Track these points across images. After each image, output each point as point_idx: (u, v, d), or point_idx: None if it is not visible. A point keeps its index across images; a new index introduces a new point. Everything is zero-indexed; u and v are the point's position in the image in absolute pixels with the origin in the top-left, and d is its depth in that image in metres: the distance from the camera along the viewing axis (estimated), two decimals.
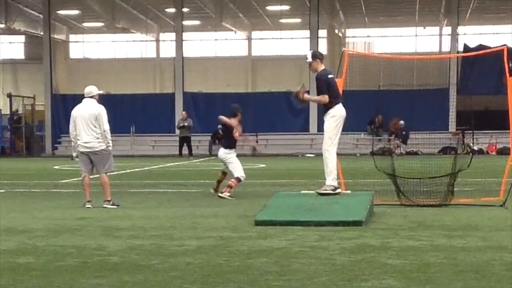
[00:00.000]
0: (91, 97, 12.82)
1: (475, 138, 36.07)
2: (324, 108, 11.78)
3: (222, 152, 15.77)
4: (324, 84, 11.58)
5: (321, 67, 11.76)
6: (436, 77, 38.57)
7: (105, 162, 12.77)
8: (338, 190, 11.68)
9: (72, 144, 13.18)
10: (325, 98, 11.57)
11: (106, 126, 12.64)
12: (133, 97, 41.51)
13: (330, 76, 11.81)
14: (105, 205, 12.62)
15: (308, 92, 11.80)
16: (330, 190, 11.52)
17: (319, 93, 11.62)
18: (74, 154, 13.20)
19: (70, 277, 6.51)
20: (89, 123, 12.60)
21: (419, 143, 30.54)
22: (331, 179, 11.57)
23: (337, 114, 11.63)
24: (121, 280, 6.37)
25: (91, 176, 13.02)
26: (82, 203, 12.81)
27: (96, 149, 12.65)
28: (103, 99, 13.35)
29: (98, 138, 12.61)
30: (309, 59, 11.78)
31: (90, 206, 12.62)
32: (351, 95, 16.81)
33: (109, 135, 12.70)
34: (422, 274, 6.54)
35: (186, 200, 14.22)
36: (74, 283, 6.27)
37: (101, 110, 12.68)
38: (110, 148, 12.80)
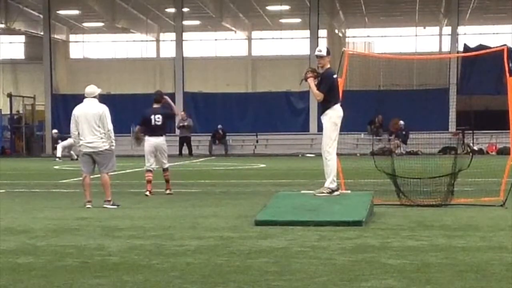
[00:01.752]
0: (93, 97, 12.82)
1: (475, 138, 36.08)
2: (322, 108, 11.77)
3: (163, 140, 15.61)
4: (328, 84, 11.57)
5: (328, 64, 11.79)
6: (436, 77, 38.58)
7: (108, 162, 12.77)
8: (336, 193, 11.66)
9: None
10: (320, 96, 11.57)
11: (110, 126, 12.65)
12: (133, 97, 41.51)
13: (334, 76, 11.81)
14: (105, 205, 12.62)
15: (316, 77, 11.72)
16: (327, 192, 11.52)
17: (319, 88, 11.61)
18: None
19: (70, 277, 6.51)
20: (93, 123, 12.59)
21: (419, 143, 30.53)
22: (329, 182, 11.57)
23: (334, 114, 11.61)
24: (121, 280, 6.37)
25: (91, 176, 13.02)
26: (82, 203, 12.82)
27: (100, 149, 12.64)
28: (103, 99, 13.35)
29: (102, 138, 12.61)
30: (324, 52, 11.71)
31: (90, 206, 12.62)
32: (351, 95, 16.78)
33: (112, 135, 12.71)
34: (422, 274, 6.54)
35: (186, 200, 14.22)
36: (74, 283, 6.27)
37: (105, 110, 12.69)
38: (113, 147, 12.82)
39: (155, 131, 15.25)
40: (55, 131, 35.46)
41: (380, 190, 12.75)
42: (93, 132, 12.60)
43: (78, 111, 12.79)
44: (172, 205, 13.14)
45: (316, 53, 11.89)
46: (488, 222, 10.15)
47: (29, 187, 17.94)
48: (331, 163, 11.55)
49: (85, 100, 12.84)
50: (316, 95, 11.64)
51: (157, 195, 15.37)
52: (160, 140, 15.41)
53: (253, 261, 7.25)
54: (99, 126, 12.60)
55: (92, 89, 12.91)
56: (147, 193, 14.93)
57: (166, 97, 16.07)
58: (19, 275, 6.63)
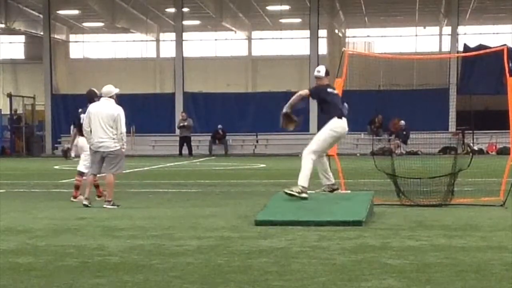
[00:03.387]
0: (110, 97, 12.81)
1: (475, 138, 36.07)
2: (325, 118, 11.66)
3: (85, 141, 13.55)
4: (318, 95, 11.59)
5: (326, 82, 11.77)
6: (436, 77, 38.56)
7: (116, 163, 12.70)
8: (304, 195, 11.15)
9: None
10: (303, 91, 11.71)
11: (124, 129, 12.61)
12: (133, 97, 41.50)
13: (329, 90, 11.66)
14: (105, 206, 12.61)
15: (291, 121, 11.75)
16: (296, 192, 11.12)
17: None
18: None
19: (70, 277, 6.51)
20: (106, 123, 12.57)
21: (419, 143, 30.55)
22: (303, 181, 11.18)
23: (337, 128, 11.44)
24: (121, 280, 6.37)
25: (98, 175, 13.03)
26: (82, 203, 12.83)
27: (111, 149, 12.63)
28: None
29: (113, 139, 12.59)
30: (322, 73, 11.65)
31: (86, 203, 12.60)
32: (351, 95, 16.75)
33: (125, 138, 12.68)
34: (422, 274, 6.54)
35: (186, 200, 14.22)
36: (74, 283, 6.27)
37: (120, 112, 12.65)
38: (124, 150, 12.80)
39: (81, 131, 13.95)
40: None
41: (380, 190, 12.75)
42: (105, 132, 12.58)
43: (93, 109, 12.81)
44: (172, 205, 13.14)
45: (315, 73, 11.81)
46: (488, 222, 10.15)
47: (29, 187, 17.94)
48: (310, 165, 11.30)
49: (102, 99, 12.84)
50: (300, 94, 11.69)
51: (157, 195, 15.38)
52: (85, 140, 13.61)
53: (253, 261, 7.25)
54: (111, 127, 12.58)
55: (109, 88, 12.89)
56: (86, 199, 13.20)
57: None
58: (19, 275, 6.63)
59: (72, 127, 14.30)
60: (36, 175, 23.03)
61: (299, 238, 8.67)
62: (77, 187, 13.89)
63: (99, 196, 13.88)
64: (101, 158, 12.76)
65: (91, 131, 12.72)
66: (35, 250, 8.05)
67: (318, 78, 11.76)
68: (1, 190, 16.65)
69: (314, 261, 7.17)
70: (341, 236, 8.78)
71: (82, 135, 13.84)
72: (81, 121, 13.86)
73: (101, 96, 13.12)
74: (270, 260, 7.25)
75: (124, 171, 14.06)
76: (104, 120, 12.59)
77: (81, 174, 13.87)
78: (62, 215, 11.53)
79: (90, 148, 12.94)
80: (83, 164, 13.83)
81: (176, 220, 10.64)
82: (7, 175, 22.14)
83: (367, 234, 9.01)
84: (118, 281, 6.35)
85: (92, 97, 13.98)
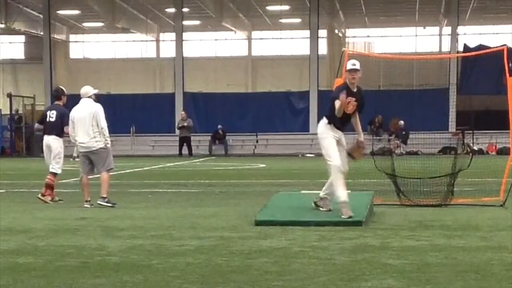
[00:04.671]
0: (88, 97, 12.93)
1: (475, 138, 36.09)
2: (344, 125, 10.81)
3: (53, 139, 13.94)
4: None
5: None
6: (436, 77, 38.59)
7: (104, 160, 12.82)
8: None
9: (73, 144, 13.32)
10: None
11: (103, 124, 12.73)
12: (133, 97, 41.54)
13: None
14: (99, 202, 12.60)
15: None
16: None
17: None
18: (75, 154, 13.32)
19: (70, 277, 6.51)
20: (87, 123, 12.69)
21: (419, 143, 30.55)
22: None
23: None
24: (121, 280, 6.36)
25: (90, 176, 13.06)
26: (81, 203, 12.83)
27: (94, 149, 12.72)
28: (103, 99, 13.41)
29: (95, 137, 12.69)
30: (358, 66, 10.53)
31: (88, 206, 12.63)
32: None
33: (106, 133, 12.79)
34: (422, 274, 6.54)
35: (186, 200, 14.22)
36: (74, 283, 6.27)
37: (98, 108, 12.81)
38: (109, 145, 12.87)
39: (47, 128, 14.08)
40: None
41: (380, 190, 12.74)
42: (87, 132, 12.72)
43: (74, 112, 12.97)
44: (172, 205, 13.14)
45: (351, 67, 10.60)
46: (488, 222, 10.15)
47: (29, 187, 17.93)
48: None
49: (81, 101, 12.97)
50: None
51: (157, 195, 15.38)
52: (50, 139, 13.91)
53: (253, 261, 7.25)
54: (93, 125, 12.70)
55: (87, 89, 13.10)
56: (47, 198, 13.62)
57: None
58: (19, 275, 6.63)
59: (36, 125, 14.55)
60: (36, 175, 23.00)
61: (299, 238, 8.67)
62: (49, 186, 13.78)
63: (42, 195, 13.68)
64: (88, 159, 12.85)
65: (75, 135, 12.86)
66: (35, 250, 8.04)
67: (356, 71, 10.47)
68: (1, 190, 16.66)
69: (314, 261, 7.17)
70: (341, 236, 8.77)
71: (45, 133, 14.12)
72: (47, 118, 14.11)
73: (69, 95, 13.47)
74: (270, 260, 7.25)
75: (123, 171, 14.04)
76: (86, 120, 12.72)
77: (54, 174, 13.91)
78: (62, 215, 11.53)
79: (77, 151, 13.08)
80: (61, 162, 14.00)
81: (176, 220, 10.63)
82: (7, 175, 22.15)
83: (367, 234, 9.01)
84: (118, 281, 6.34)
85: (59, 94, 14.19)
